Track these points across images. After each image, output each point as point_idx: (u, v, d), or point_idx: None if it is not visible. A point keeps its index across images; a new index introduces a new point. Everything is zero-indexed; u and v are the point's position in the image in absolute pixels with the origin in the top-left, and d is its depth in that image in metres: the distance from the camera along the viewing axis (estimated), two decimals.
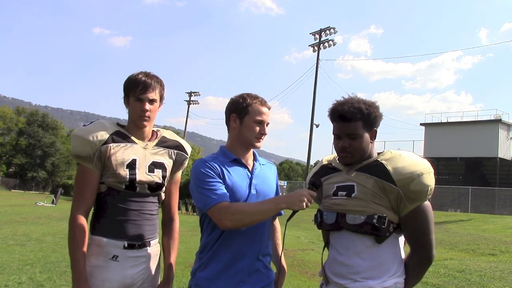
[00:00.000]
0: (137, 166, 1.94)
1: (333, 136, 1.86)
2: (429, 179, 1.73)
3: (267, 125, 1.93)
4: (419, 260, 1.78)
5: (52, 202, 22.71)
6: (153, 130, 2.10)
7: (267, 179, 1.99)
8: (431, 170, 1.76)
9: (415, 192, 1.71)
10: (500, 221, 15.84)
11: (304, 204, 1.71)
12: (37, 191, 49.91)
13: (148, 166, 1.98)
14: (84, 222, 1.87)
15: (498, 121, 29.77)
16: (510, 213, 22.25)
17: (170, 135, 2.15)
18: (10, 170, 56.66)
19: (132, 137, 2.00)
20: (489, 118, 30.89)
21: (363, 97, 1.88)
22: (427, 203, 1.76)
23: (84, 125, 1.99)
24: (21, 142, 55.78)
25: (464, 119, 32.41)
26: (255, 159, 1.99)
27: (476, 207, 23.71)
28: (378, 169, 1.76)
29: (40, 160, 56.14)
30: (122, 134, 1.99)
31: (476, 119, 31.71)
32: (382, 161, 1.77)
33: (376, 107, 1.83)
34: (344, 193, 1.80)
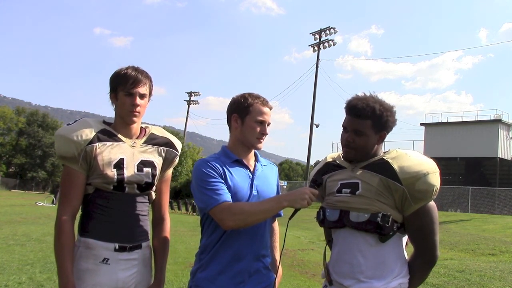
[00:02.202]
0: (125, 166, 1.86)
1: (342, 127, 1.85)
2: (435, 179, 1.72)
3: (268, 125, 1.92)
4: (423, 261, 1.77)
5: (52, 202, 22.70)
6: (141, 127, 2.01)
7: (268, 180, 1.98)
8: (437, 170, 1.75)
9: (421, 191, 1.70)
10: (500, 221, 15.83)
11: (306, 202, 1.70)
12: (37, 191, 49.90)
13: (137, 165, 1.89)
14: (70, 225, 1.80)
15: (498, 121, 29.77)
16: (510, 213, 22.24)
17: (159, 132, 2.06)
18: (10, 170, 56.67)
19: (119, 135, 1.91)
20: (489, 118, 30.89)
21: None
22: (432, 203, 1.75)
23: (68, 124, 1.90)
24: (21, 142, 55.79)
25: (464, 119, 32.40)
26: (256, 159, 1.99)
27: (476, 207, 23.69)
28: (383, 167, 1.75)
29: (40, 160, 56.14)
30: (108, 132, 1.90)
31: (476, 119, 31.71)
32: (388, 160, 1.76)
33: (392, 111, 1.81)
34: (348, 190, 1.78)
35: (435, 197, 1.74)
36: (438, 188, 1.74)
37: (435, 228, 1.75)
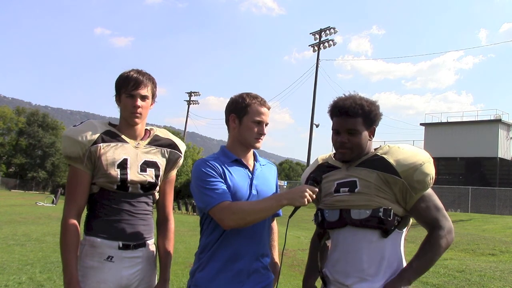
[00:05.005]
0: (128, 166, 1.91)
1: (332, 131, 1.86)
2: (431, 167, 1.76)
3: (266, 125, 1.92)
4: (438, 234, 1.72)
5: (52, 202, 22.71)
6: (146, 129, 2.06)
7: (267, 179, 1.98)
8: (431, 159, 1.78)
9: (419, 181, 1.72)
10: (500, 221, 15.85)
11: (306, 199, 1.70)
12: (37, 191, 49.94)
13: (140, 166, 1.94)
14: (76, 224, 1.85)
15: (498, 121, 29.82)
16: (510, 213, 22.27)
17: (163, 134, 2.11)
18: (10, 170, 56.69)
19: (123, 136, 1.97)
20: (489, 118, 30.93)
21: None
22: (430, 189, 1.78)
23: (74, 126, 1.96)
24: (21, 142, 55.81)
25: (464, 119, 32.46)
26: (255, 159, 1.99)
27: (476, 207, 23.72)
28: (379, 163, 1.76)
29: (40, 160, 56.18)
30: (112, 133, 1.95)
31: (476, 119, 31.76)
32: (382, 155, 1.78)
33: (376, 105, 1.85)
34: (346, 189, 1.79)
35: (432, 185, 1.77)
36: (434, 176, 1.77)
37: (440, 204, 1.76)
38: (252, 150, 1.97)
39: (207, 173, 1.80)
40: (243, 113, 1.89)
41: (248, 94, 1.93)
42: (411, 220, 1.84)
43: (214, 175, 1.80)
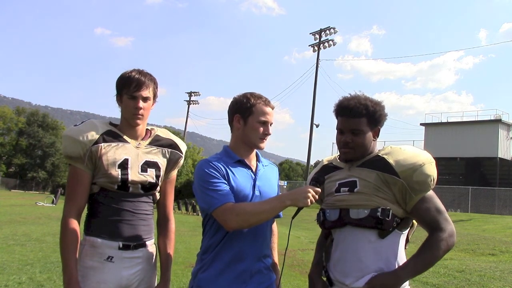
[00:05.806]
0: (129, 166, 1.91)
1: (336, 130, 1.87)
2: (431, 169, 1.75)
3: (270, 125, 1.92)
4: (439, 235, 1.69)
5: (52, 202, 22.71)
6: (147, 129, 2.06)
7: (270, 180, 1.98)
8: (433, 160, 1.77)
9: (419, 182, 1.71)
10: (500, 221, 15.86)
11: (309, 200, 1.69)
12: (37, 191, 49.94)
13: (141, 166, 1.94)
14: (75, 223, 1.85)
15: (498, 121, 29.84)
16: (510, 213, 22.28)
17: (164, 134, 2.10)
18: (10, 170, 56.69)
19: (124, 136, 1.96)
20: (489, 118, 30.95)
21: None
22: (431, 191, 1.77)
23: (75, 125, 1.96)
24: (21, 142, 55.83)
25: (464, 119, 32.48)
26: (258, 160, 1.98)
27: (476, 207, 23.73)
28: (379, 163, 1.77)
29: (40, 160, 56.20)
30: (113, 133, 1.95)
31: (476, 119, 31.78)
32: (383, 156, 1.79)
33: (382, 106, 1.84)
34: (346, 189, 1.80)
35: (433, 186, 1.76)
36: (436, 177, 1.75)
37: (441, 207, 1.75)
38: (255, 151, 1.97)
39: (210, 174, 1.79)
40: (248, 113, 1.88)
41: (252, 94, 1.92)
42: (415, 223, 1.84)
43: (217, 176, 1.79)
